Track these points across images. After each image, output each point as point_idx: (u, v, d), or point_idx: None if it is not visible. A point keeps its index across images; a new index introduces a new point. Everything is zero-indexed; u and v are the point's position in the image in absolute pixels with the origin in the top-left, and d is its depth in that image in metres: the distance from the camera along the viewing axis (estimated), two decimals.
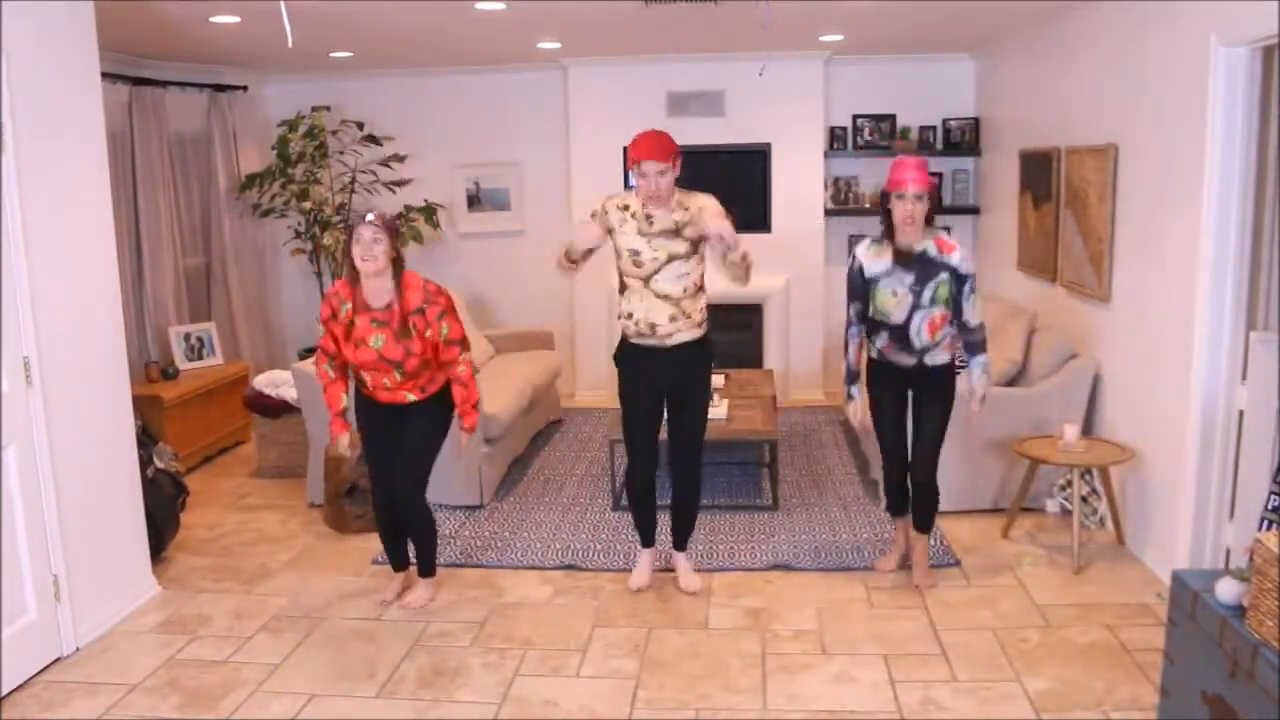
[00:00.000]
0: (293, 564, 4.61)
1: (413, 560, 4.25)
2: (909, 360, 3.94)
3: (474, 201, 7.71)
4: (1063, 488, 4.94)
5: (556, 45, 6.49)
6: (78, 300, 3.85)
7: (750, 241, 7.21)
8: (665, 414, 4.03)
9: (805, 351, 7.49)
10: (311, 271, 7.35)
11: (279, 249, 7.59)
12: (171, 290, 6.59)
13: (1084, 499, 4.73)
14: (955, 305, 3.88)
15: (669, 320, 3.83)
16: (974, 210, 7.26)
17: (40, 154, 3.63)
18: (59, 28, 3.77)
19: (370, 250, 3.67)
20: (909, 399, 4.06)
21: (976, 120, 7.21)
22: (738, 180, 7.34)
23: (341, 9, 4.77)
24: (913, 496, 4.16)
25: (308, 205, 6.95)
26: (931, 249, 3.83)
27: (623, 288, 3.93)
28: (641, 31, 5.92)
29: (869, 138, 7.36)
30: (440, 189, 7.59)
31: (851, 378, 4.10)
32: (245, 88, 7.22)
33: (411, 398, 3.90)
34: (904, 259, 3.83)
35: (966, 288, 3.86)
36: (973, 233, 7.37)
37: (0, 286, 3.46)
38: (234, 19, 5.05)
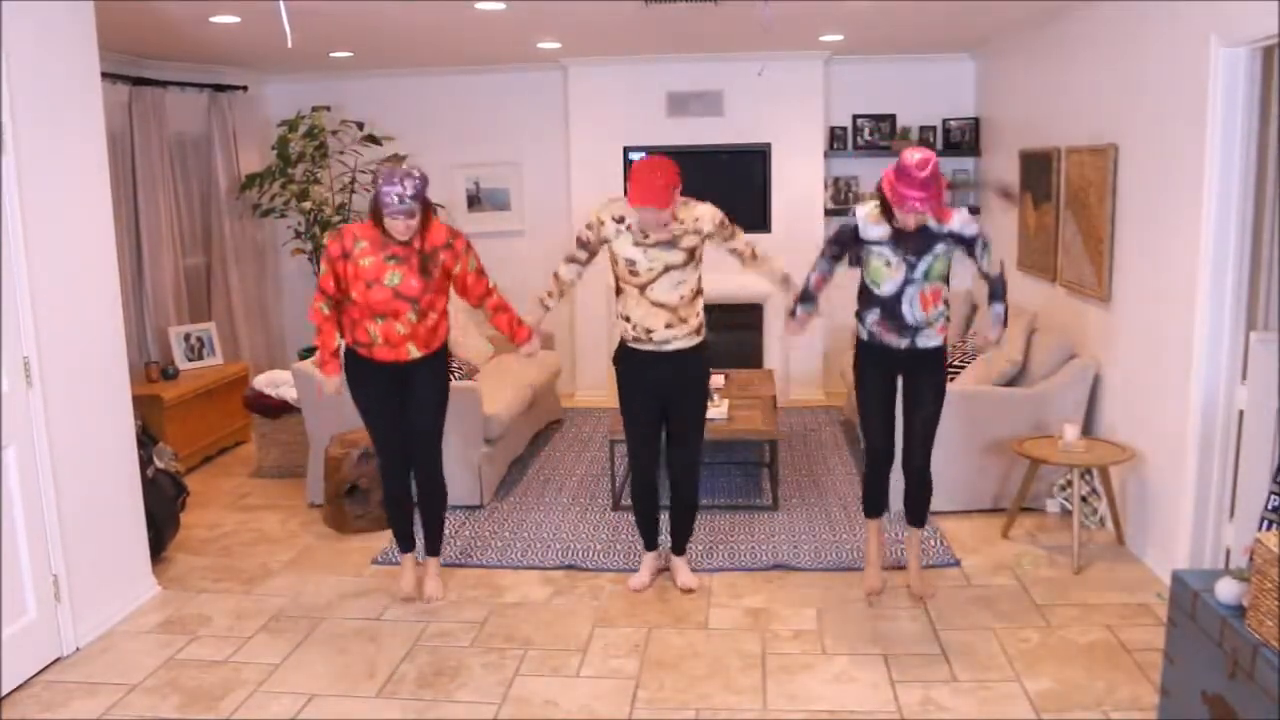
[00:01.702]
0: (293, 564, 4.61)
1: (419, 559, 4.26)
2: (900, 341, 3.75)
3: (474, 201, 7.71)
4: (1063, 488, 4.94)
5: (556, 45, 6.49)
6: (78, 300, 3.85)
7: (750, 241, 7.32)
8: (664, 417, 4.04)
9: (805, 351, 7.48)
10: (311, 272, 7.34)
11: (279, 249, 7.60)
12: (171, 290, 6.59)
13: (1084, 499, 4.73)
14: (977, 264, 3.72)
15: (665, 327, 3.83)
16: (974, 210, 7.26)
17: (40, 154, 3.63)
18: (59, 28, 3.77)
19: (409, 226, 3.61)
20: (898, 386, 3.88)
21: (976, 120, 7.21)
22: (738, 180, 7.35)
23: (341, 9, 4.77)
24: (906, 487, 3.98)
25: (308, 205, 6.95)
26: (931, 221, 3.60)
27: (619, 289, 3.93)
28: (641, 31, 5.92)
29: (869, 138, 7.36)
30: (440, 189, 7.55)
31: (805, 297, 3.91)
32: (245, 88, 7.22)
33: (416, 353, 3.79)
34: (896, 235, 3.65)
35: (978, 248, 3.67)
36: None
37: (0, 286, 3.47)
38: (234, 19, 5.05)
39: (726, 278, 7.33)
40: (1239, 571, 2.59)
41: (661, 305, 3.81)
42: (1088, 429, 4.93)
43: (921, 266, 3.64)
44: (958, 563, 4.41)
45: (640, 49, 6.82)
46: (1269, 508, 3.02)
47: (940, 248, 3.63)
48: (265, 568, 4.57)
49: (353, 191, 7.16)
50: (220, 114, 7.00)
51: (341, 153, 7.16)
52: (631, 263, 3.79)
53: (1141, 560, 4.39)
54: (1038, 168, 5.75)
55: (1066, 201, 5.27)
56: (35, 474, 3.62)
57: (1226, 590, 2.57)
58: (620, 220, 3.80)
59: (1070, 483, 4.68)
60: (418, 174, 3.61)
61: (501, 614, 4.05)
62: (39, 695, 3.48)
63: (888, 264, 3.67)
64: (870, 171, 7.36)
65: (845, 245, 3.79)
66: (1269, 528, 2.98)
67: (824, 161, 7.29)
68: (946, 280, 3.74)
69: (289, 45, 4.56)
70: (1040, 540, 4.66)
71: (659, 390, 3.94)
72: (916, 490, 3.96)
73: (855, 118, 7.36)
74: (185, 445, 5.87)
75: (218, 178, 7.01)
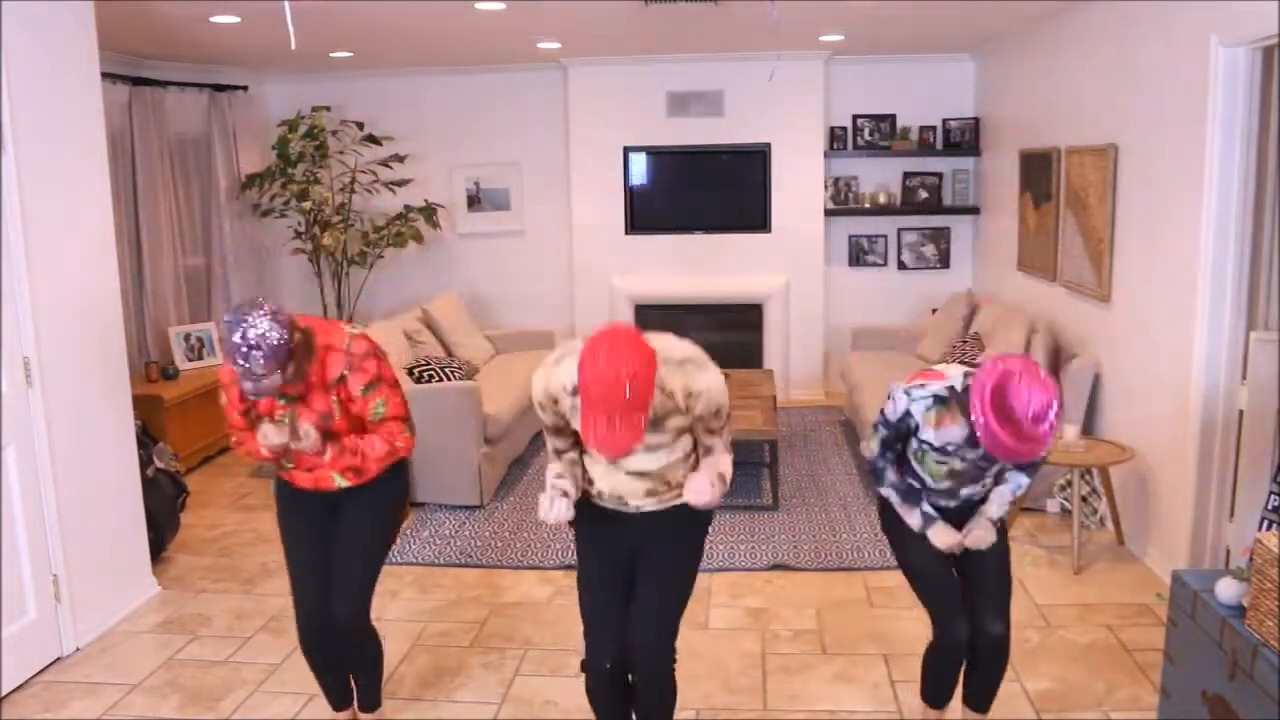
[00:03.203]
0: None
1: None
2: (951, 501, 2.86)
3: (474, 201, 7.71)
4: (1063, 488, 4.94)
5: (556, 45, 6.49)
6: (78, 300, 3.85)
7: (750, 242, 7.33)
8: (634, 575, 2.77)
9: (805, 351, 7.48)
10: (311, 272, 7.35)
11: (279, 249, 7.60)
12: (171, 290, 6.60)
13: (1084, 499, 4.73)
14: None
15: (645, 495, 2.68)
16: (974, 210, 7.26)
17: (40, 154, 3.63)
18: (59, 28, 3.77)
19: (259, 396, 2.74)
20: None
21: (976, 120, 7.21)
22: (738, 180, 7.35)
23: (341, 9, 4.77)
24: (975, 663, 2.90)
25: (308, 205, 6.96)
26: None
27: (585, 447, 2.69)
28: (641, 31, 5.92)
29: (869, 138, 7.36)
30: (440, 189, 7.59)
31: (915, 497, 2.83)
32: (245, 88, 7.22)
33: (341, 482, 2.92)
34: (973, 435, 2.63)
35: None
36: (973, 233, 7.37)
37: (0, 286, 3.47)
38: (234, 19, 5.05)
39: (726, 278, 7.40)
40: (1239, 571, 2.59)
41: (641, 475, 2.65)
42: (1088, 429, 4.93)
43: (993, 470, 2.78)
44: None
45: (640, 49, 6.82)
46: (1269, 508, 3.02)
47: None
48: (265, 568, 4.57)
49: (352, 191, 7.15)
50: (220, 114, 7.00)
51: (341, 152, 7.15)
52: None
53: (1141, 560, 4.39)
54: (1038, 168, 5.75)
55: (1066, 201, 5.27)
56: (35, 474, 3.62)
57: (1226, 590, 2.57)
58: (576, 392, 2.51)
59: (1070, 483, 4.69)
60: (276, 325, 2.60)
61: (501, 614, 4.05)
62: (39, 695, 3.48)
63: (952, 472, 2.74)
64: (870, 172, 7.37)
65: (898, 437, 2.79)
66: (1269, 528, 2.98)
67: (824, 161, 7.29)
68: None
69: (292, 47, 4.55)
70: (1040, 540, 4.66)
71: (632, 544, 2.75)
72: (992, 665, 2.90)
73: (855, 118, 7.35)
74: (185, 445, 5.87)
75: (218, 178, 7.00)
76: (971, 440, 2.63)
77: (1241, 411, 3.76)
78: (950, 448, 2.67)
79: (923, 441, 2.71)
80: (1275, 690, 2.28)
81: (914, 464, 2.79)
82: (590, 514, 2.76)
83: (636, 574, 2.73)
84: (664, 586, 2.72)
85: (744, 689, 3.44)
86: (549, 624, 3.95)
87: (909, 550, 2.89)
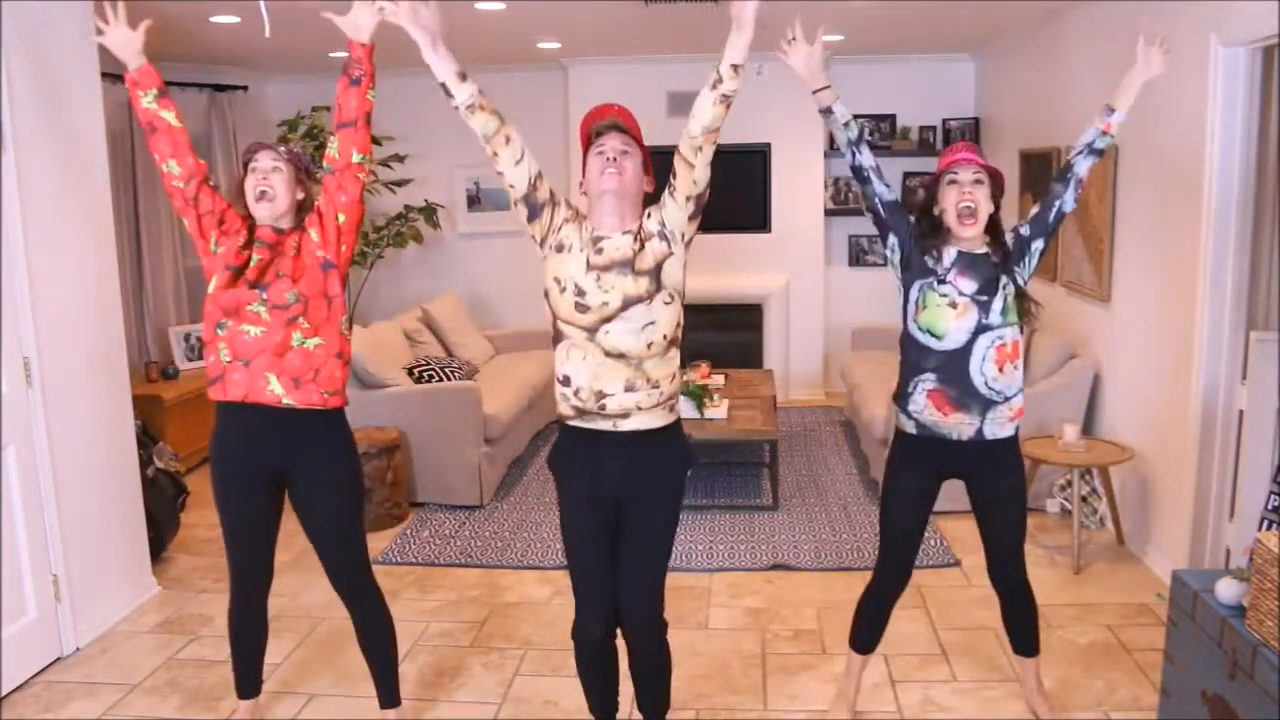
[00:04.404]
0: (293, 564, 4.61)
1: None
2: (962, 426, 2.85)
3: (474, 201, 7.72)
4: (1063, 488, 4.94)
5: (556, 45, 6.49)
6: (78, 300, 3.85)
7: (750, 242, 7.32)
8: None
9: (805, 351, 7.48)
10: None
11: None
12: (171, 290, 6.60)
13: (1084, 499, 4.73)
14: (1057, 210, 3.07)
15: (624, 390, 2.58)
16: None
17: (40, 154, 3.63)
18: (59, 28, 3.77)
19: (268, 180, 2.80)
20: (938, 492, 3.03)
21: (976, 120, 7.21)
22: (738, 180, 7.34)
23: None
24: (1005, 607, 3.11)
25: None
26: (985, 249, 2.93)
27: (557, 337, 2.72)
28: (641, 31, 5.92)
29: (869, 138, 7.32)
30: (440, 189, 7.59)
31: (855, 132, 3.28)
32: (245, 88, 7.22)
33: (282, 393, 2.77)
34: (964, 260, 2.88)
35: (1051, 212, 3.05)
36: None
37: (0, 286, 3.47)
38: (234, 19, 5.05)
39: (726, 278, 7.39)
40: (1239, 571, 2.59)
41: (620, 356, 2.59)
42: (1088, 429, 4.93)
43: (997, 304, 2.82)
44: (958, 563, 4.41)
45: (640, 49, 6.82)
46: (1269, 508, 3.02)
47: (1006, 276, 2.87)
48: None
49: None
50: (220, 114, 7.00)
51: None
52: (580, 291, 2.63)
53: (1141, 560, 4.40)
54: (1038, 168, 5.75)
55: None
56: (35, 474, 3.62)
57: (1226, 590, 2.57)
58: (581, 220, 2.81)
59: (1070, 483, 4.69)
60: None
61: (501, 614, 4.05)
62: (39, 695, 3.48)
63: (953, 305, 2.82)
64: None
65: (904, 214, 3.04)
66: (1269, 528, 2.98)
67: (824, 161, 7.29)
68: (1021, 326, 2.89)
69: (266, 34, 4.56)
70: (1040, 540, 4.66)
71: (612, 496, 2.69)
72: (1020, 608, 3.09)
73: (855, 118, 7.34)
74: (185, 445, 5.86)
75: (218, 178, 7.00)
76: (959, 265, 2.86)
77: (1241, 411, 3.76)
78: (943, 275, 2.85)
79: (923, 272, 2.87)
80: (1275, 690, 2.28)
81: (917, 330, 2.87)
82: (570, 453, 2.71)
83: (621, 536, 2.72)
84: (651, 553, 2.74)
85: (744, 689, 3.44)
86: (549, 624, 3.95)
87: (891, 499, 3.03)
